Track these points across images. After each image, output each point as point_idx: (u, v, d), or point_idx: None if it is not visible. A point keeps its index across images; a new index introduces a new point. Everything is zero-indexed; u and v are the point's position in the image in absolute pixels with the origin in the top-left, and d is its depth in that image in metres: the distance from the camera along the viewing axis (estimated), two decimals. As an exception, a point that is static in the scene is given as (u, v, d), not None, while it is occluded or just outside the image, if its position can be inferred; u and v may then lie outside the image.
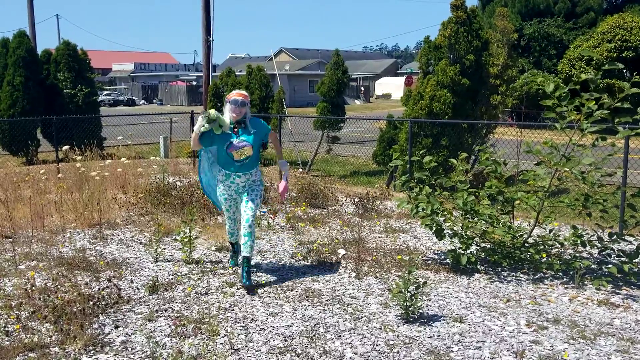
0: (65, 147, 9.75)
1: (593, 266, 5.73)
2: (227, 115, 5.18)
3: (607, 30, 22.28)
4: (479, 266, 5.84)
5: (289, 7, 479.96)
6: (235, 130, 5.21)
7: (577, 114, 5.49)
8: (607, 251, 5.72)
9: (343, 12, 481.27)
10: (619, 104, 5.38)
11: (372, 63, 70.86)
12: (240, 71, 18.11)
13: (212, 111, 5.08)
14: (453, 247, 5.95)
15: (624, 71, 21.92)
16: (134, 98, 54.01)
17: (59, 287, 4.99)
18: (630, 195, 5.65)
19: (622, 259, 5.50)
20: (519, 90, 20.56)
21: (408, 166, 9.13)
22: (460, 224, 5.90)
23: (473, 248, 6.14)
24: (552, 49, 26.11)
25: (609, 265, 5.53)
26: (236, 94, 5.21)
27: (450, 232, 6.00)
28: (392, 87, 60.58)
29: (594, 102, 5.37)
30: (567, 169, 5.50)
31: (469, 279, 5.52)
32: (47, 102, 15.15)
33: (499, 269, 5.80)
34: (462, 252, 5.76)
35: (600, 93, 5.41)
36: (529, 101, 21.65)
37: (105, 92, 51.19)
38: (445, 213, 5.89)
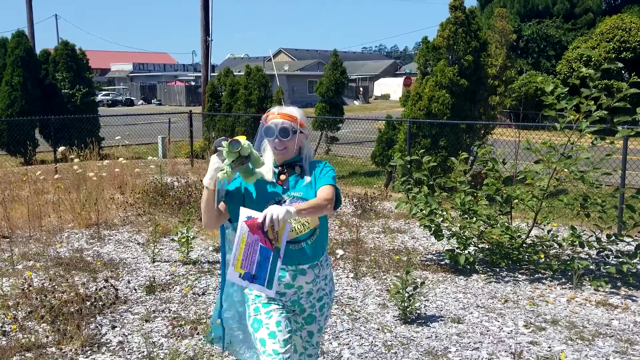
0: (62, 148, 9.71)
1: (591, 267, 5.72)
2: (269, 155, 2.70)
3: (606, 31, 22.28)
4: (477, 267, 5.84)
5: (288, 8, 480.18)
6: (283, 178, 2.66)
7: (576, 114, 5.48)
8: (606, 252, 5.71)
9: (342, 12, 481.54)
10: (617, 104, 5.37)
11: (371, 64, 70.82)
12: (239, 71, 18.10)
13: (242, 141, 2.51)
14: (451, 248, 5.94)
15: (623, 72, 21.92)
16: (132, 98, 53.94)
17: (56, 287, 4.97)
18: (629, 196, 5.64)
19: (621, 259, 5.50)
20: (517, 91, 20.58)
21: (407, 166, 9.12)
22: (459, 224, 5.89)
23: (471, 248, 6.13)
24: (551, 50, 26.11)
25: (607, 266, 5.53)
26: (278, 114, 2.68)
27: (448, 233, 5.99)
28: (391, 87, 60.57)
29: (593, 102, 5.36)
30: (566, 168, 5.49)
31: (467, 280, 5.51)
32: (45, 102, 15.12)
33: (497, 270, 5.79)
34: (460, 252, 5.75)
35: (598, 93, 5.40)
36: (527, 102, 21.66)
37: (104, 92, 51.11)
38: (444, 213, 5.88)
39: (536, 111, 20.37)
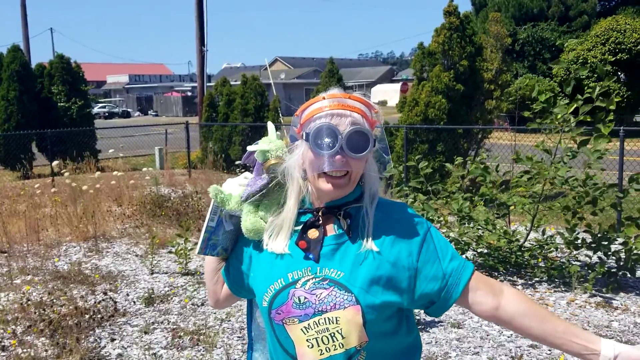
0: (55, 162, 9.69)
1: (588, 269, 5.71)
2: (295, 184, 1.47)
3: (601, 33, 22.35)
4: (476, 271, 5.82)
5: (284, 16, 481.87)
6: (313, 237, 1.45)
7: (560, 120, 5.44)
8: (600, 253, 5.67)
9: (338, 20, 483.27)
10: (599, 103, 5.31)
11: (368, 70, 71.00)
12: (236, 81, 18.14)
13: (270, 144, 1.50)
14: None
15: (619, 73, 21.97)
16: (129, 110, 53.96)
17: (54, 301, 4.97)
18: (620, 190, 5.58)
19: (611, 261, 5.45)
20: (513, 95, 20.64)
21: (403, 174, 9.12)
22: (456, 230, 5.88)
23: (469, 253, 6.12)
24: (547, 52, 26.21)
25: (600, 268, 5.49)
26: (341, 105, 1.40)
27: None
28: (388, 94, 60.68)
29: (581, 101, 5.31)
30: (551, 177, 5.44)
31: (466, 285, 5.49)
32: (42, 115, 15.14)
33: (496, 274, 5.78)
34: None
35: (591, 94, 5.37)
36: (524, 105, 21.72)
37: (100, 105, 51.17)
38: (441, 219, 5.88)
39: (533, 114, 20.42)
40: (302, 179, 1.46)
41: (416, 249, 1.43)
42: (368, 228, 1.42)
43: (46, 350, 4.18)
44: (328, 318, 1.37)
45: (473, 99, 10.35)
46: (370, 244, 1.41)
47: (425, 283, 1.43)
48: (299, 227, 1.46)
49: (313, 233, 1.44)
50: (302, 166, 1.44)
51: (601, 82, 5.20)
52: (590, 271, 5.53)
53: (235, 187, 1.57)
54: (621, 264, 5.37)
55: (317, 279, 1.40)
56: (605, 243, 5.41)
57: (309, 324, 1.39)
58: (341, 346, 1.37)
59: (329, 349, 1.38)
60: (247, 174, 1.60)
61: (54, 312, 4.66)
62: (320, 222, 1.45)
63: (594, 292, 5.17)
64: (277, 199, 1.49)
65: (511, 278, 5.65)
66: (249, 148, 1.54)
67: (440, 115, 9.73)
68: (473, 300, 1.45)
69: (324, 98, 1.43)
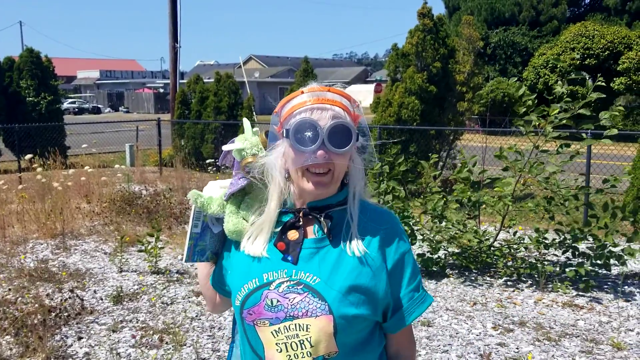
0: (29, 156, 9.50)
1: (557, 269, 5.81)
2: (276, 186, 1.41)
3: (570, 38, 22.78)
4: (447, 270, 5.88)
5: (258, 15, 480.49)
6: (292, 237, 1.41)
7: (543, 121, 5.56)
8: (568, 254, 5.78)
9: (313, 19, 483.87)
10: (581, 110, 5.46)
11: (342, 71, 71.11)
12: (209, 78, 18.01)
13: (246, 142, 1.47)
14: (422, 252, 5.98)
15: (587, 78, 22.38)
16: (99, 106, 53.17)
17: (19, 298, 4.86)
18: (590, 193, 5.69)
19: (580, 261, 5.55)
20: (485, 98, 20.89)
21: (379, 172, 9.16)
22: (429, 229, 5.93)
23: (441, 252, 6.17)
24: (517, 56, 26.61)
25: (571, 268, 5.60)
26: (322, 99, 1.37)
27: (419, 237, 6.03)
28: (362, 94, 60.86)
29: (558, 111, 5.44)
30: (532, 176, 5.56)
31: (437, 283, 5.55)
32: (10, 110, 14.83)
33: (467, 273, 5.84)
34: (431, 256, 5.79)
35: (564, 101, 5.48)
36: (494, 108, 21.98)
37: (70, 100, 50.29)
38: (415, 218, 5.92)
39: (503, 117, 20.70)
40: (284, 180, 1.41)
41: (391, 263, 1.41)
42: (352, 233, 1.39)
43: (10, 349, 4.09)
44: (299, 324, 1.35)
45: (445, 101, 10.44)
46: (353, 250, 1.38)
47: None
48: (278, 229, 1.42)
49: (293, 234, 1.41)
50: (284, 166, 1.40)
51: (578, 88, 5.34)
52: (562, 271, 5.62)
53: (216, 190, 1.53)
54: (592, 262, 5.47)
55: (291, 282, 1.37)
56: (575, 244, 5.51)
57: (279, 328, 1.37)
58: (309, 355, 1.35)
59: (297, 356, 1.36)
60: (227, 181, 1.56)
61: (18, 310, 4.56)
62: (301, 223, 1.41)
63: (561, 291, 5.26)
64: (258, 197, 1.46)
65: (482, 277, 5.71)
66: (225, 148, 1.51)
67: (413, 116, 9.80)
68: (396, 337, 1.49)
69: (302, 92, 1.39)
